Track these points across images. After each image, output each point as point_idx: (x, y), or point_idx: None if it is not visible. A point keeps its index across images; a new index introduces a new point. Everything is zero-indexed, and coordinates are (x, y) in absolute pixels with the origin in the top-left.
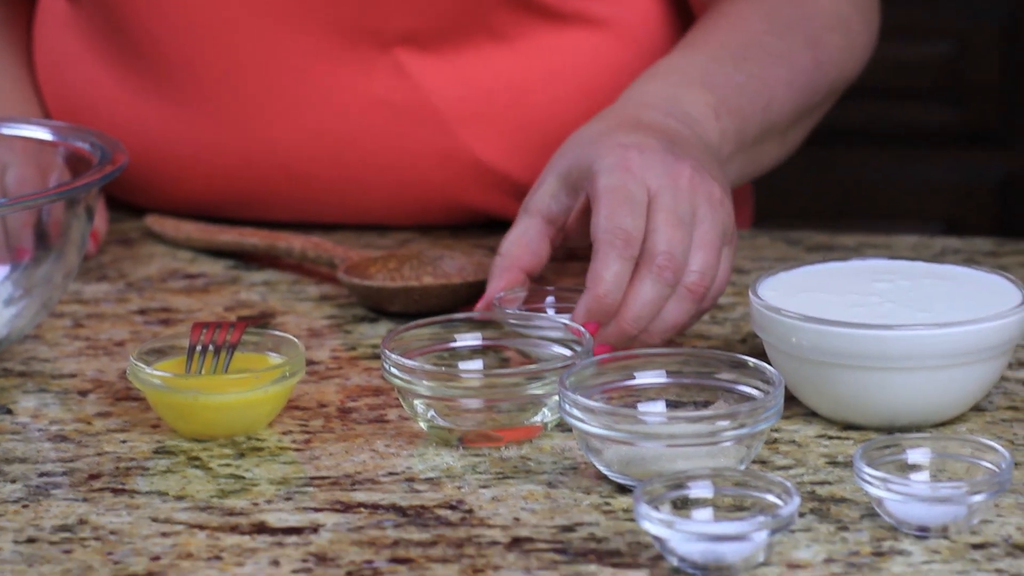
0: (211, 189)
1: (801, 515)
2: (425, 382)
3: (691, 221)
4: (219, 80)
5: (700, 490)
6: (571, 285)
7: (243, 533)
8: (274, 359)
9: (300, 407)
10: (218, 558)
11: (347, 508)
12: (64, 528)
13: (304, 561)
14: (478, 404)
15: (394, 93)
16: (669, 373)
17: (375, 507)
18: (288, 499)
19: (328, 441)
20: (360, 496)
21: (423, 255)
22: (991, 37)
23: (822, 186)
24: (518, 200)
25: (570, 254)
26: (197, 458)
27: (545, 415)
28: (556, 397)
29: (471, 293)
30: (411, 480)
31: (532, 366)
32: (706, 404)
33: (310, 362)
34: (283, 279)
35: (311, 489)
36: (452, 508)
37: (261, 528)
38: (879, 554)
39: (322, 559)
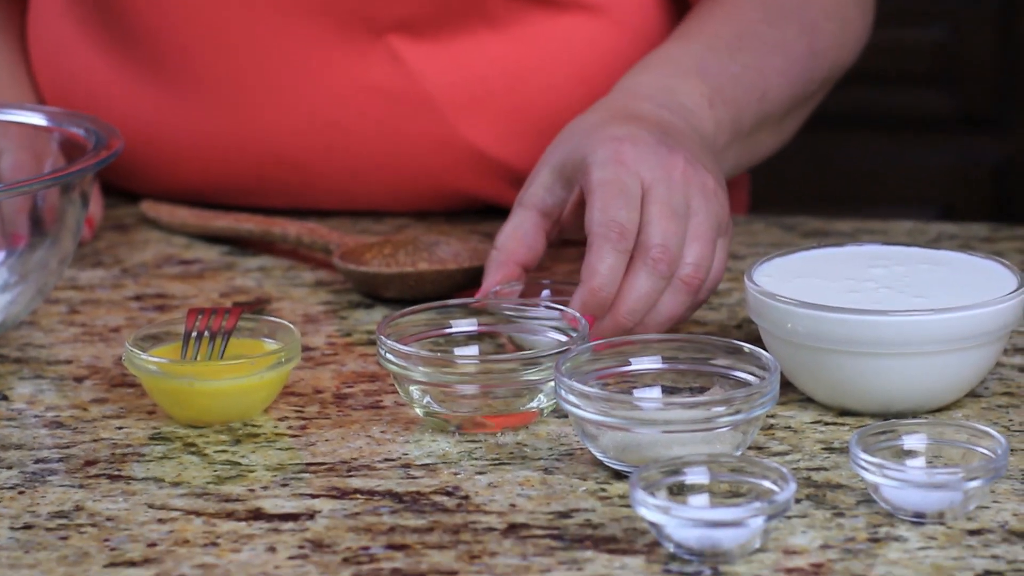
0: (205, 176)
1: (797, 501)
2: (421, 368)
3: (685, 213)
4: (213, 67)
5: (696, 476)
6: (566, 277)
7: (239, 519)
8: (270, 345)
9: (296, 393)
10: (214, 544)
11: (343, 494)
12: (60, 515)
13: (300, 547)
14: (474, 390)
15: (388, 80)
16: (665, 359)
17: (371, 493)
18: (284, 485)
19: (324, 427)
20: (356, 482)
21: (418, 241)
22: (986, 22)
23: (817, 172)
24: (513, 187)
25: (565, 240)
26: (193, 444)
27: (541, 401)
28: (552, 383)
29: (467, 279)
30: (407, 466)
31: (528, 352)
32: (702, 390)
33: (306, 348)
34: (278, 265)
35: (307, 475)
36: (448, 494)
37: (257, 514)
38: (875, 540)
39: (318, 545)
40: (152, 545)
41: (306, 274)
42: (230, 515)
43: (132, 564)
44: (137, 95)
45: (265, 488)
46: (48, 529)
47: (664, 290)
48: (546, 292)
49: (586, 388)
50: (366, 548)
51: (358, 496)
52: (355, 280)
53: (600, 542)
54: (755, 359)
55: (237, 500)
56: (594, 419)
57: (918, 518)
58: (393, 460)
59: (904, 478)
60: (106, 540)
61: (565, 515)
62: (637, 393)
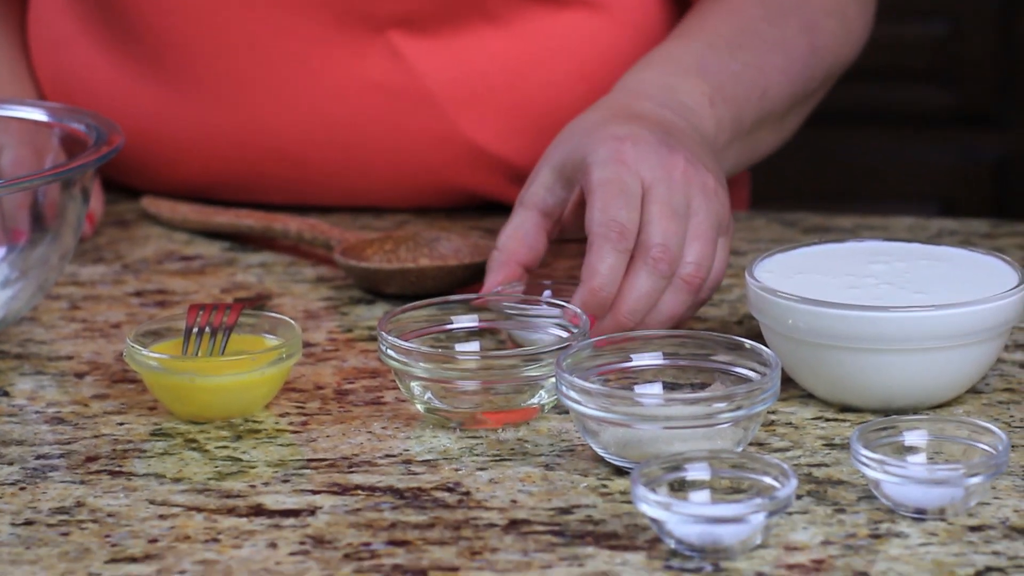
0: (205, 172)
1: (798, 497)
2: (422, 364)
3: (685, 213)
4: (213, 63)
5: (697, 472)
6: (567, 273)
7: (240, 515)
8: (271, 341)
9: (297, 389)
10: (215, 540)
11: (344, 490)
12: (61, 511)
13: (301, 543)
14: (475, 386)
15: (388, 76)
16: (666, 355)
17: (372, 489)
18: (285, 481)
19: (325, 423)
20: (357, 478)
21: (419, 237)
22: (987, 18)
23: (818, 168)
24: (513, 183)
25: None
26: (194, 440)
27: (542, 397)
28: (553, 379)
29: (467, 275)
30: (408, 462)
31: (529, 348)
32: (703, 386)
33: (307, 344)
34: (279, 261)
35: (308, 471)
36: (449, 490)
37: (258, 510)
38: (876, 536)
39: (319, 541)
40: (153, 541)
41: (307, 270)
42: (231, 511)
43: (133, 560)
44: (137, 91)
45: (266, 484)
46: (49, 525)
47: (665, 289)
48: (547, 293)
49: (587, 384)
50: (367, 544)
51: (359, 492)
52: (356, 276)
53: (601, 538)
54: (756, 355)
55: (238, 496)
56: (595, 415)
57: (919, 514)
58: (394, 456)
59: (905, 474)
60: (107, 536)
61: (566, 511)
62: (638, 389)
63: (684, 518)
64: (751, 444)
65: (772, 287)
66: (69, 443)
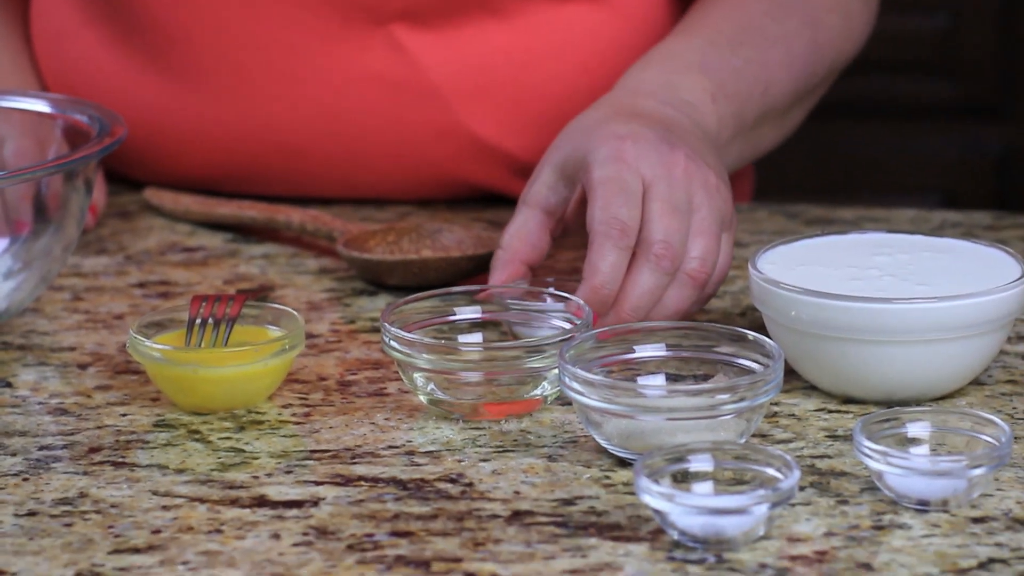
0: (208, 164)
1: (801, 489)
2: (425, 355)
3: (687, 209)
4: (216, 56)
5: (700, 463)
6: (569, 265)
7: (243, 506)
8: (273, 332)
9: (300, 380)
10: (219, 531)
11: (347, 481)
12: (65, 501)
13: (305, 534)
14: (478, 377)
15: (391, 69)
16: (669, 346)
17: (375, 480)
18: (288, 472)
19: (328, 414)
20: (360, 469)
21: (422, 228)
22: (989, 10)
23: (820, 160)
24: (516, 176)
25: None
26: (197, 431)
27: (545, 388)
28: (556, 370)
29: (470, 266)
30: (411, 453)
31: (532, 339)
32: (706, 377)
33: (309, 335)
34: (282, 252)
35: (311, 462)
36: (452, 481)
37: (262, 501)
38: (879, 528)
39: (322, 532)
40: (156, 532)
41: (310, 261)
42: (234, 502)
43: (136, 551)
44: (140, 84)
45: (269, 475)
46: (52, 516)
47: (667, 286)
48: (551, 290)
49: (590, 375)
50: (370, 535)
51: (362, 483)
52: (359, 267)
53: (604, 529)
54: (759, 347)
55: (241, 487)
56: (598, 406)
57: (922, 506)
58: (397, 447)
59: (908, 466)
60: (110, 527)
61: (569, 502)
62: (641, 380)
63: (687, 509)
64: (754, 435)
65: (775, 279)
66: (72, 434)
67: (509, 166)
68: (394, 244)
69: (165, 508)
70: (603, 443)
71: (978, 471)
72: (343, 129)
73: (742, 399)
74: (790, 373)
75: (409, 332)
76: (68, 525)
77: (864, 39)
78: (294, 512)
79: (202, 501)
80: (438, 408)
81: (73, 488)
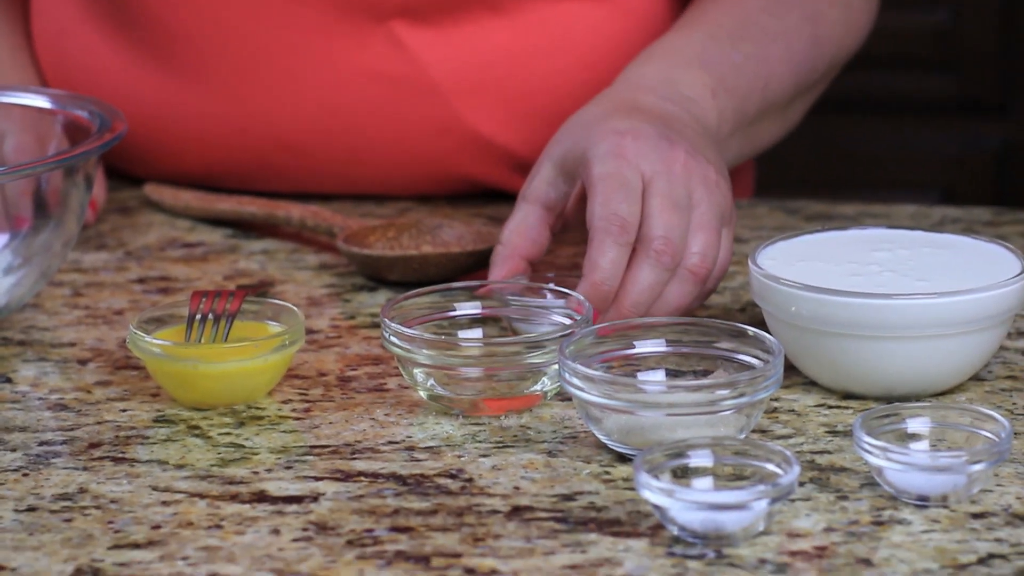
0: (208, 161)
1: (801, 484)
2: (425, 351)
3: (687, 205)
4: (216, 52)
5: (700, 459)
6: (571, 265)
7: (243, 502)
8: (273, 328)
9: (300, 376)
10: (218, 527)
11: (347, 477)
12: (64, 497)
13: (304, 530)
14: (478, 373)
15: (391, 66)
16: (669, 342)
17: (375, 476)
18: (288, 468)
19: (328, 410)
20: (360, 465)
21: (422, 224)
22: (989, 6)
23: (820, 155)
24: (516, 172)
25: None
26: (197, 427)
27: (545, 384)
28: (556, 366)
29: (470, 262)
30: (411, 449)
31: (532, 335)
32: (706, 373)
33: (309, 331)
34: (282, 248)
35: (311, 458)
36: (452, 477)
37: (261, 497)
38: (879, 523)
39: (322, 528)
40: (156, 527)
41: (310, 257)
42: (234, 497)
43: (136, 546)
44: (139, 79)
45: (269, 471)
46: (52, 511)
47: (667, 282)
48: (551, 286)
49: (590, 371)
50: (370, 531)
51: (362, 479)
52: (359, 263)
53: (604, 525)
54: (759, 342)
55: (241, 483)
56: (598, 402)
57: (922, 501)
58: (397, 443)
59: (908, 461)
60: (110, 522)
61: (569, 498)
62: (641, 376)
63: (687, 505)
64: (754, 431)
65: (775, 274)
66: (72, 429)
67: (509, 162)
68: (394, 240)
69: (165, 503)
70: (603, 439)
71: (978, 467)
72: (343, 126)
73: (742, 395)
74: (790, 369)
75: (409, 328)
76: (68, 520)
77: (865, 34)
78: (294, 507)
79: (202, 496)
80: (438, 404)
81: (73, 483)
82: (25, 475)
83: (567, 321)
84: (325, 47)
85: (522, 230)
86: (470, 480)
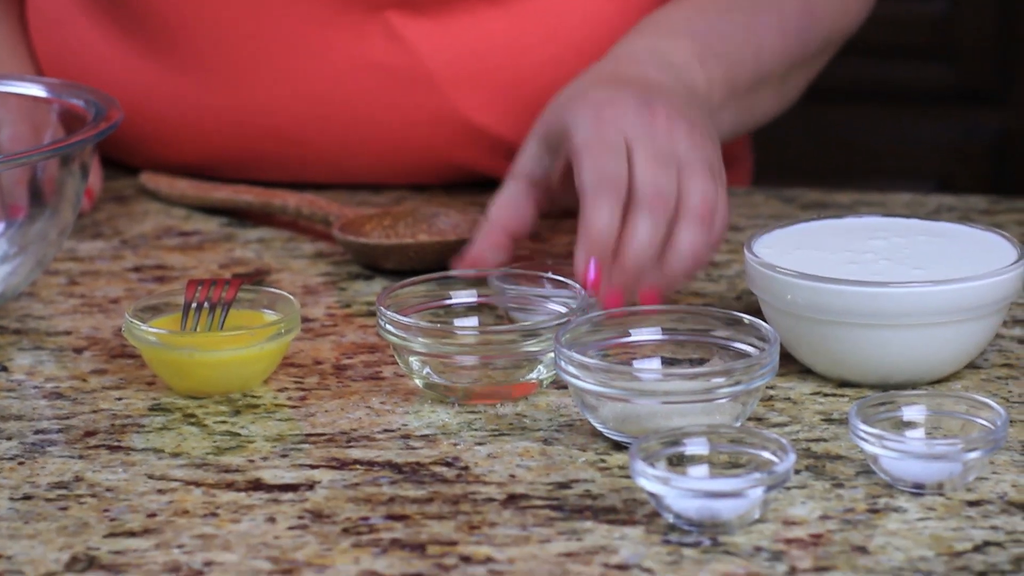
0: (203, 151)
1: (796, 472)
2: (420, 339)
3: (674, 160)
4: (211, 43)
5: (695, 447)
6: (568, 253)
7: (239, 490)
8: (269, 316)
9: (295, 364)
10: (214, 515)
11: (343, 465)
12: (60, 485)
13: (300, 518)
14: (473, 361)
15: (386, 56)
16: (664, 330)
17: (371, 464)
18: (284, 456)
19: (324, 398)
20: (356, 453)
21: (418, 212)
22: None
23: (817, 144)
24: (511, 161)
25: (565, 211)
26: (193, 415)
27: (540, 372)
28: (551, 354)
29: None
30: (407, 437)
31: (528, 323)
32: (701, 361)
33: (305, 319)
34: (278, 236)
35: (307, 446)
36: (448, 465)
37: (257, 485)
38: (874, 511)
39: (318, 516)
40: (152, 515)
41: (305, 245)
42: (230, 486)
43: (132, 534)
44: (136, 71)
45: (265, 459)
46: (48, 500)
47: (664, 234)
48: (548, 274)
49: (586, 359)
50: (366, 518)
51: (357, 467)
52: (354, 251)
53: (600, 513)
54: (755, 330)
55: (237, 471)
56: (594, 390)
57: (917, 489)
58: (393, 431)
59: (903, 449)
60: (106, 510)
61: (564, 486)
62: (637, 364)
63: (682, 492)
64: (750, 419)
65: (771, 263)
66: (68, 418)
67: (505, 151)
68: (390, 228)
69: (160, 492)
70: (599, 427)
71: (973, 454)
72: (339, 116)
73: (738, 383)
74: (786, 357)
75: (405, 316)
76: (64, 509)
77: (864, 14)
78: (289, 496)
79: (197, 485)
80: (434, 392)
81: (69, 472)
82: (21, 464)
83: (564, 309)
84: (321, 37)
85: (506, 204)
86: (466, 468)
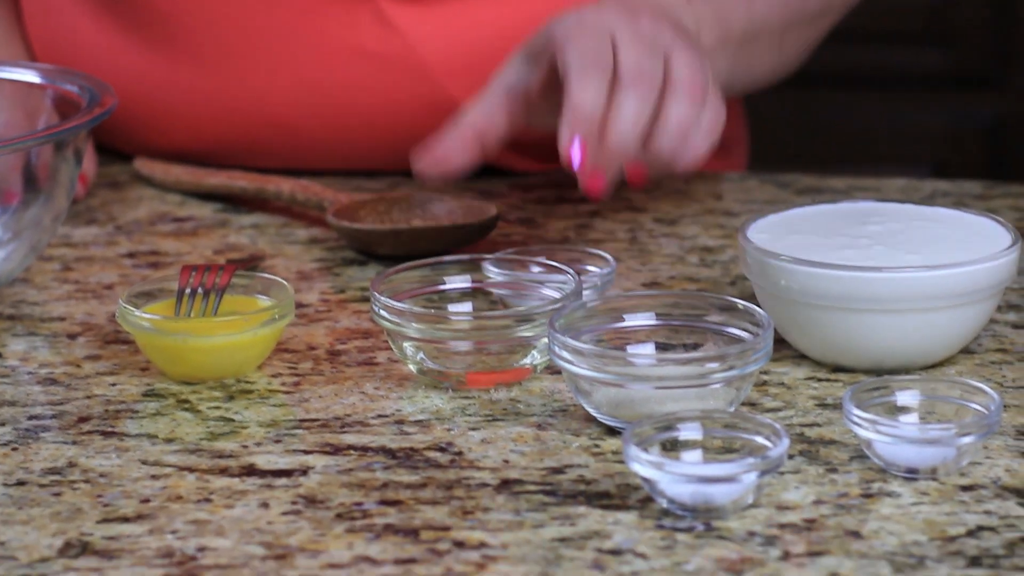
0: (197, 139)
1: (790, 457)
2: (414, 324)
3: (660, 46)
4: (205, 31)
5: (689, 432)
6: (561, 239)
7: (232, 475)
8: (263, 302)
9: (289, 350)
10: (207, 500)
11: (336, 450)
12: (54, 471)
13: (293, 503)
14: (467, 346)
15: (379, 44)
16: (658, 315)
17: (364, 449)
18: (277, 441)
19: (317, 384)
20: (349, 438)
21: (412, 198)
22: None
23: (812, 130)
24: (505, 148)
25: (560, 197)
26: (186, 401)
27: (534, 357)
28: (545, 339)
29: (461, 236)
30: (400, 422)
31: (522, 308)
32: (695, 346)
33: (299, 305)
34: (272, 222)
35: (300, 431)
36: (441, 450)
37: (251, 470)
38: (868, 496)
39: (311, 501)
40: (145, 501)
41: (300, 231)
42: (223, 471)
43: (125, 520)
44: (129, 59)
45: (258, 444)
46: (41, 485)
47: (650, 114)
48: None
49: (580, 344)
50: (359, 504)
51: (351, 452)
52: (349, 237)
53: (593, 498)
54: (749, 316)
55: (230, 456)
56: (587, 375)
57: (911, 474)
58: (386, 416)
59: (897, 434)
60: (99, 496)
61: (558, 471)
62: (631, 349)
63: (676, 477)
64: (743, 404)
65: (765, 248)
66: (61, 404)
67: None
68: (384, 214)
69: (154, 477)
70: (592, 412)
71: (967, 439)
72: (332, 103)
73: (731, 368)
74: (780, 342)
75: (399, 301)
76: (57, 494)
77: None
78: (283, 481)
79: (191, 470)
80: (427, 377)
81: (62, 457)
82: (14, 449)
83: (557, 295)
84: (313, 25)
85: (480, 108)
86: (459, 453)
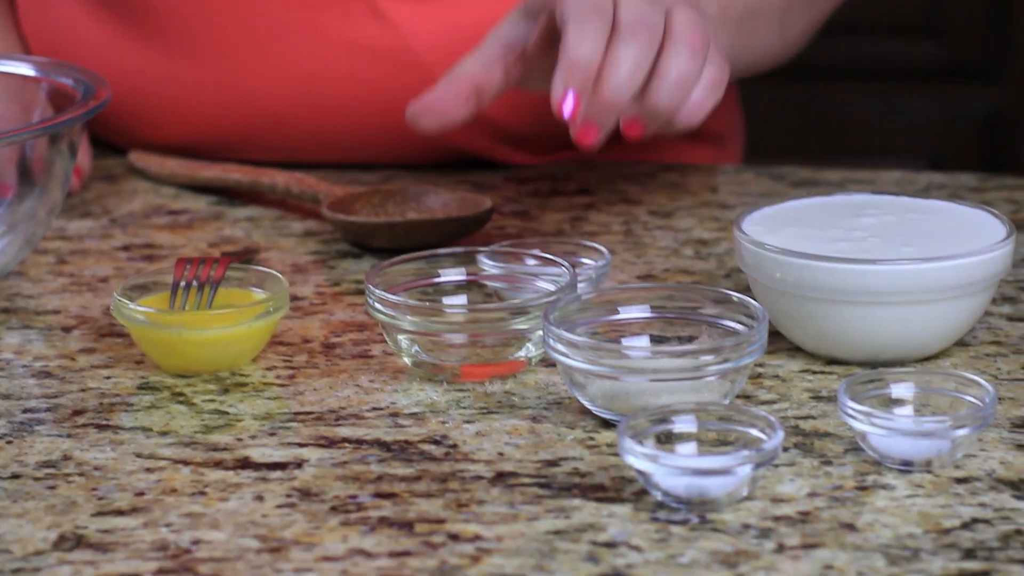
0: (191, 132)
1: (785, 449)
2: (409, 317)
3: (660, 2)
4: (200, 25)
5: (684, 424)
6: (556, 232)
7: (227, 468)
8: (258, 295)
9: (284, 343)
10: (202, 493)
11: (331, 443)
12: (48, 464)
13: (288, 496)
14: (462, 339)
15: (373, 38)
16: (653, 308)
17: (359, 442)
18: (272, 434)
19: (312, 376)
20: (344, 431)
21: (407, 191)
22: None
23: (806, 122)
24: (500, 141)
25: (555, 190)
26: (181, 394)
27: (529, 350)
28: (540, 332)
29: (455, 228)
30: (395, 415)
31: (516, 301)
32: (690, 339)
33: (294, 298)
34: (267, 215)
35: (295, 424)
36: (436, 443)
37: (245, 463)
38: (863, 488)
39: (306, 494)
40: (140, 494)
41: (295, 224)
42: (218, 464)
43: (120, 513)
44: (123, 52)
45: (253, 437)
46: (36, 478)
47: (648, 68)
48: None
49: (574, 337)
50: (354, 497)
51: (346, 445)
52: (344, 230)
53: (588, 490)
54: (744, 308)
55: (225, 449)
56: (582, 368)
57: (905, 466)
58: (381, 409)
59: (892, 426)
60: (94, 489)
61: (553, 463)
62: (625, 342)
63: (671, 470)
64: (738, 396)
65: (760, 240)
66: (56, 397)
67: (493, 132)
68: (379, 207)
69: (149, 470)
70: (587, 404)
71: (962, 432)
72: (326, 96)
73: (726, 360)
74: (774, 334)
75: (394, 294)
76: (52, 488)
77: None
78: (278, 474)
79: (186, 463)
80: (422, 370)
81: (57, 451)
82: (9, 442)
83: (551, 287)
84: (307, 19)
85: (475, 59)
86: (454, 446)
